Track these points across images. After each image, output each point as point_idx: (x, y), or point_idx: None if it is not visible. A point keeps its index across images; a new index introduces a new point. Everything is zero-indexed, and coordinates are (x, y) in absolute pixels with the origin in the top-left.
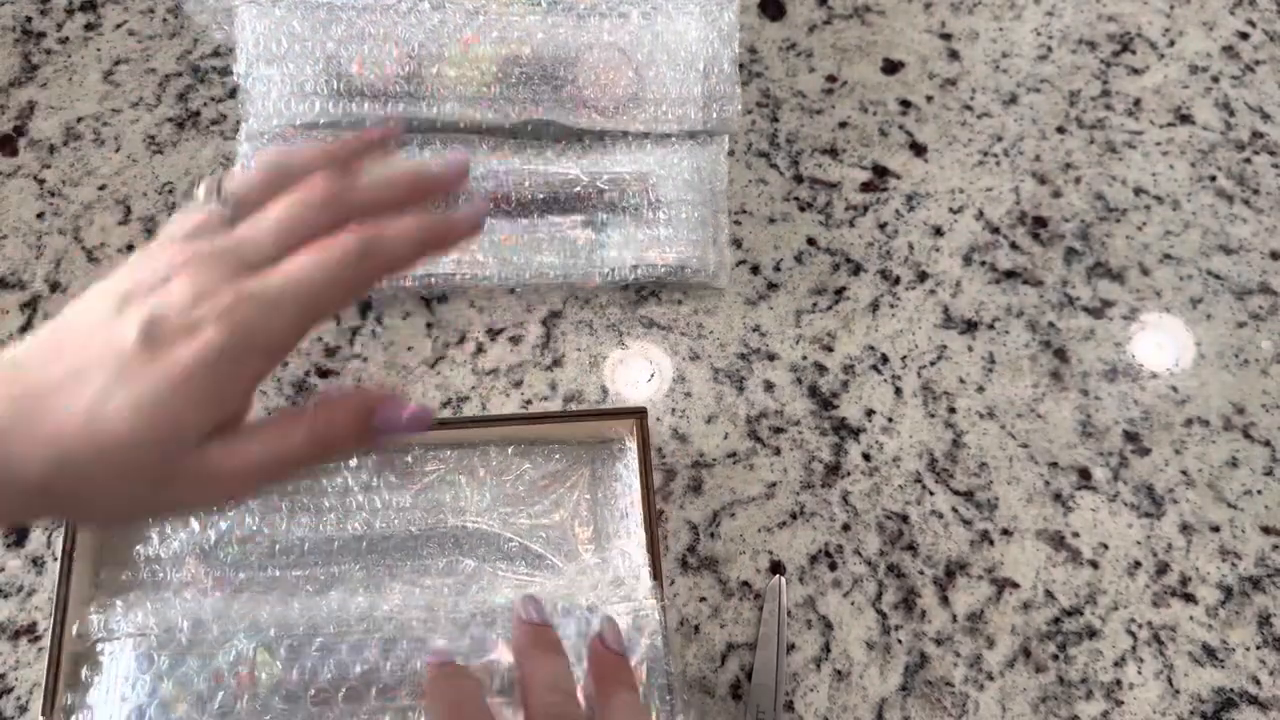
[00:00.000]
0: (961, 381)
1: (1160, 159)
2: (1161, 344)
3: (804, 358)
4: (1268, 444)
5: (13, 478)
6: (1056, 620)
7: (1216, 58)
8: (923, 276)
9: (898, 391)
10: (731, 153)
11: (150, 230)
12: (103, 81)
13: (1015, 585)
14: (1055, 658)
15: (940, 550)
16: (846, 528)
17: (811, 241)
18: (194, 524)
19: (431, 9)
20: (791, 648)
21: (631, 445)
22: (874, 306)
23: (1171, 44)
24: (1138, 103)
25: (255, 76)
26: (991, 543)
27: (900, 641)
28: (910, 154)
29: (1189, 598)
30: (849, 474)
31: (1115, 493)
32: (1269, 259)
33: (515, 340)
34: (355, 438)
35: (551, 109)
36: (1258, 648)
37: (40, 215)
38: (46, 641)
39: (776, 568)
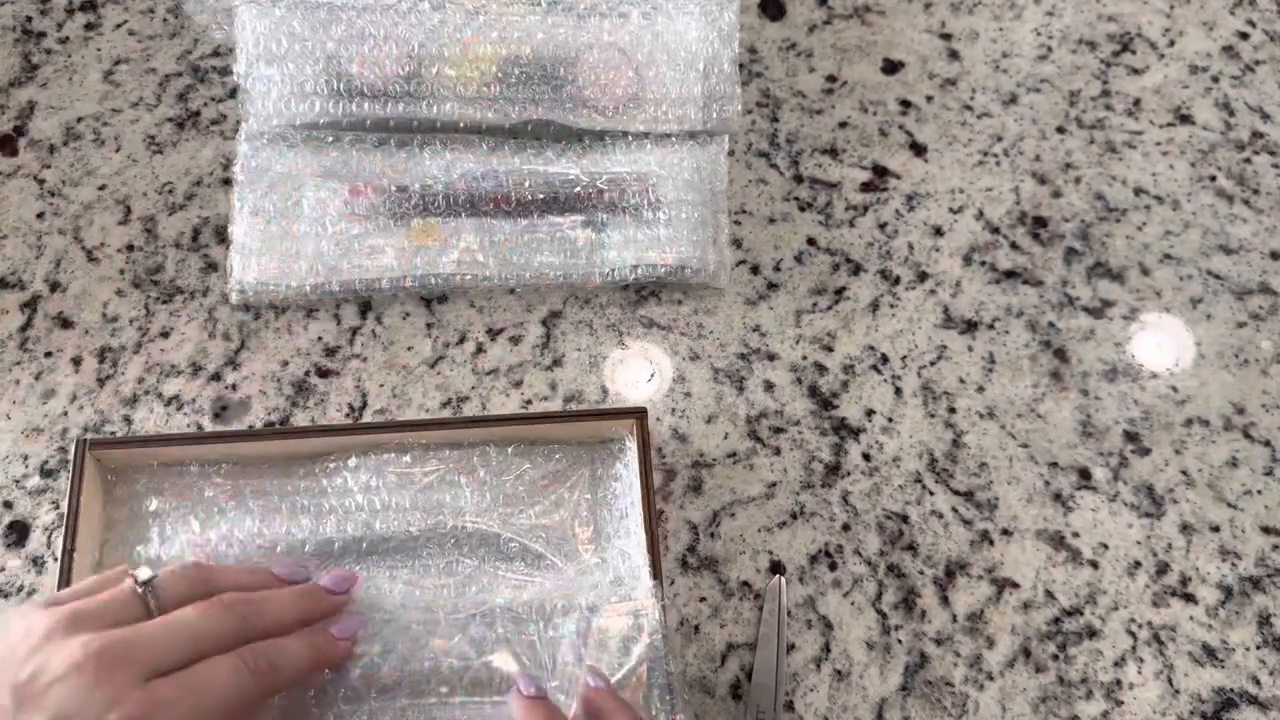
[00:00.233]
0: (961, 381)
1: (1160, 159)
2: (1161, 344)
3: (804, 358)
4: (1268, 444)
5: None
6: (1056, 620)
7: (1216, 58)
8: (923, 276)
9: (898, 391)
10: (731, 153)
11: (150, 230)
12: (103, 81)
13: (1015, 585)
14: (1055, 658)
15: (940, 550)
16: (846, 528)
17: (811, 241)
18: (194, 524)
19: (431, 9)
20: (791, 648)
21: (631, 445)
22: (874, 306)
23: (1171, 44)
24: (1138, 103)
25: (255, 76)
26: (991, 543)
27: (900, 641)
28: (910, 154)
29: (1189, 598)
30: (849, 474)
31: (1115, 493)
32: (1269, 259)
33: (515, 340)
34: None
35: (551, 109)
36: (1258, 648)
37: (40, 215)
38: None
39: (776, 568)
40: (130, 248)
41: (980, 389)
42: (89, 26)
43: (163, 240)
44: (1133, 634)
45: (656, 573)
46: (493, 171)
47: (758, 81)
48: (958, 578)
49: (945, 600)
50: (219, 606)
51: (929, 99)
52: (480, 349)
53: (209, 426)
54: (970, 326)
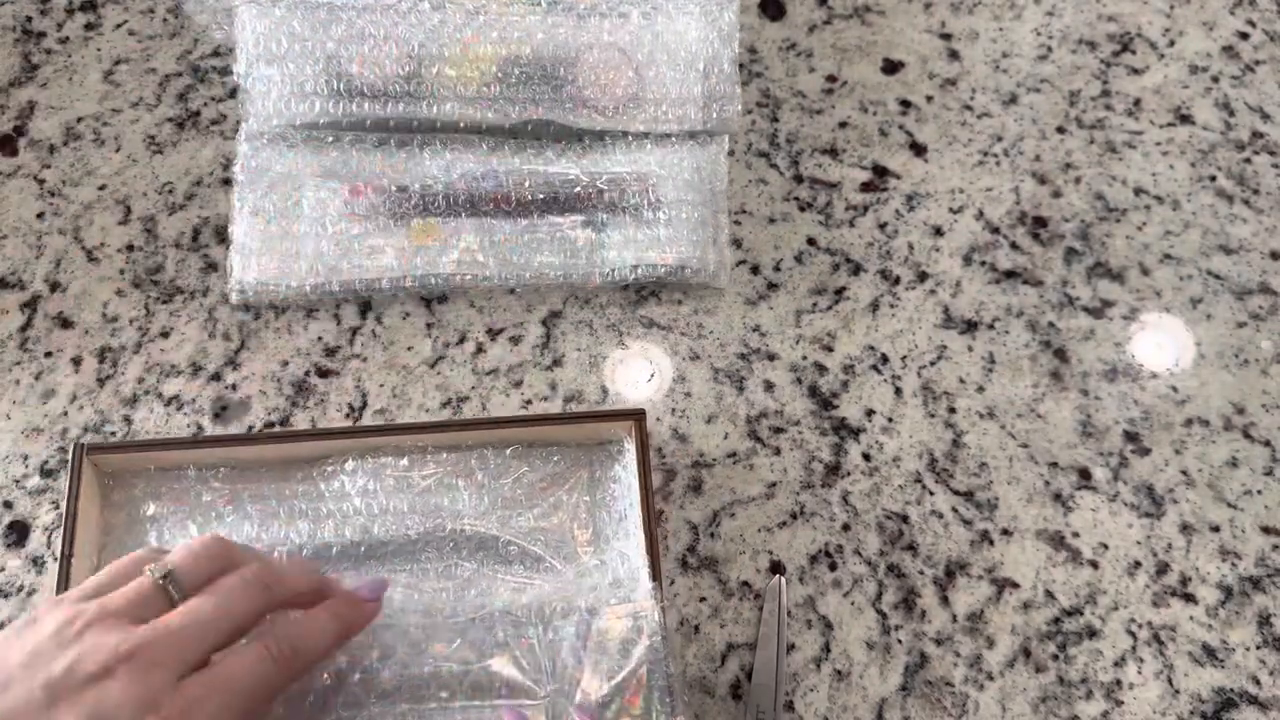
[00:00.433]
0: (961, 381)
1: (1160, 159)
2: (1161, 344)
3: (804, 358)
4: (1268, 444)
5: None
6: (1056, 620)
7: (1216, 58)
8: (923, 276)
9: (898, 391)
10: (731, 153)
11: (150, 230)
12: (103, 81)
13: (1015, 585)
14: (1055, 658)
15: (940, 550)
16: (846, 528)
17: (811, 241)
18: (192, 529)
19: (431, 9)
20: (791, 648)
21: (630, 447)
22: (874, 306)
23: (1171, 44)
24: (1138, 103)
25: (255, 76)
26: (991, 543)
27: (900, 641)
28: (910, 154)
29: (1189, 598)
30: (849, 474)
31: (1115, 493)
32: (1269, 259)
33: (515, 340)
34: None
35: (551, 109)
36: (1258, 648)
37: (40, 215)
38: None
39: (776, 568)
40: (130, 248)
41: (980, 389)
42: (89, 26)
43: (163, 240)
44: (1133, 634)
45: (656, 574)
46: (493, 171)
47: (758, 81)
48: (958, 578)
49: (945, 600)
50: (239, 583)
51: (929, 99)
52: (480, 349)
53: (209, 426)
54: (970, 326)
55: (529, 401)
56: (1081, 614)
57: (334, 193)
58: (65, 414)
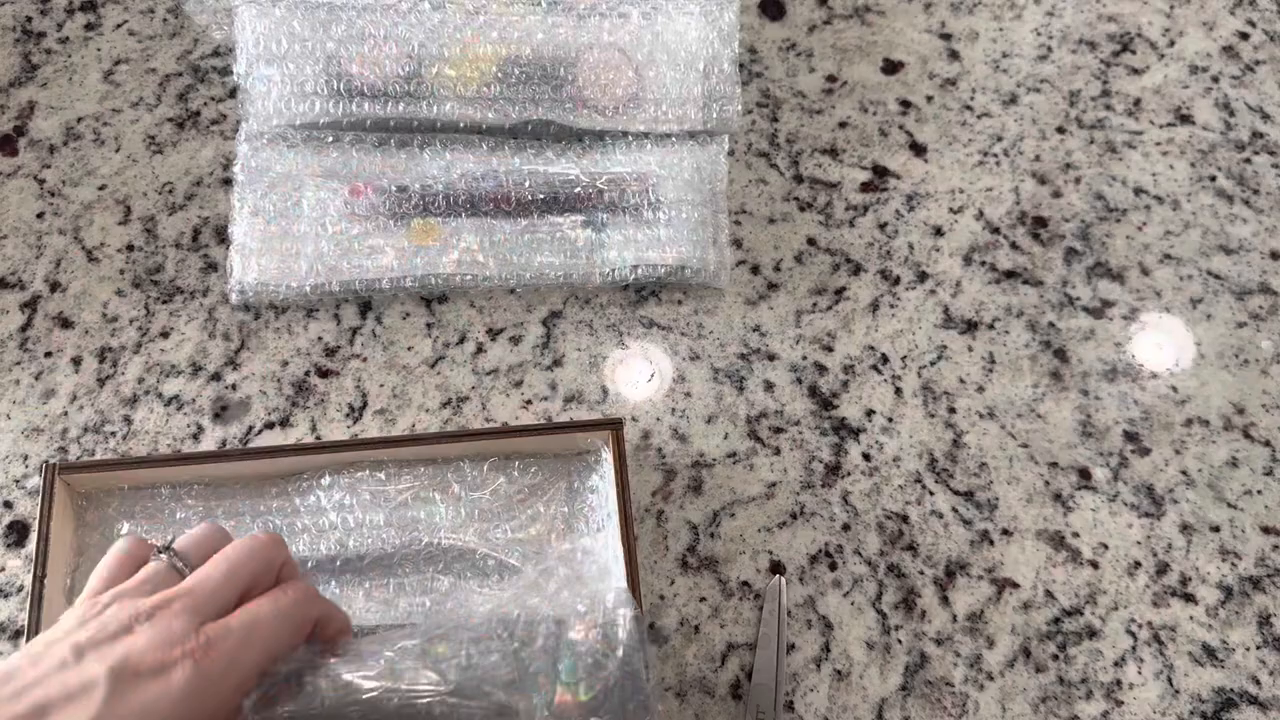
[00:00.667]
0: (961, 381)
1: (1160, 159)
2: (1161, 344)
3: (804, 358)
4: (1268, 444)
5: None
6: (1056, 620)
7: (1216, 58)
8: (923, 276)
9: (898, 391)
10: (731, 153)
11: (150, 230)
12: (103, 81)
13: (1015, 585)
14: (1055, 658)
15: (940, 550)
16: (846, 528)
17: (811, 241)
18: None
19: (431, 9)
20: (791, 648)
21: (608, 456)
22: (874, 306)
23: (1171, 44)
24: (1138, 103)
25: (255, 76)
26: (991, 543)
27: (900, 641)
28: (910, 154)
29: (1189, 598)
30: (849, 474)
31: (1115, 493)
32: (1269, 259)
33: (515, 340)
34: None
35: (551, 109)
36: (1258, 648)
37: (40, 215)
38: None
39: (776, 568)
40: (130, 248)
41: (980, 389)
42: (89, 26)
43: (163, 240)
44: (1133, 634)
45: (634, 583)
46: (493, 171)
47: (758, 81)
48: (958, 578)
49: (945, 600)
50: (246, 545)
51: (929, 99)
52: (480, 349)
53: (209, 426)
54: (970, 326)
55: (529, 402)
56: (1081, 614)
57: (334, 193)
58: (65, 414)
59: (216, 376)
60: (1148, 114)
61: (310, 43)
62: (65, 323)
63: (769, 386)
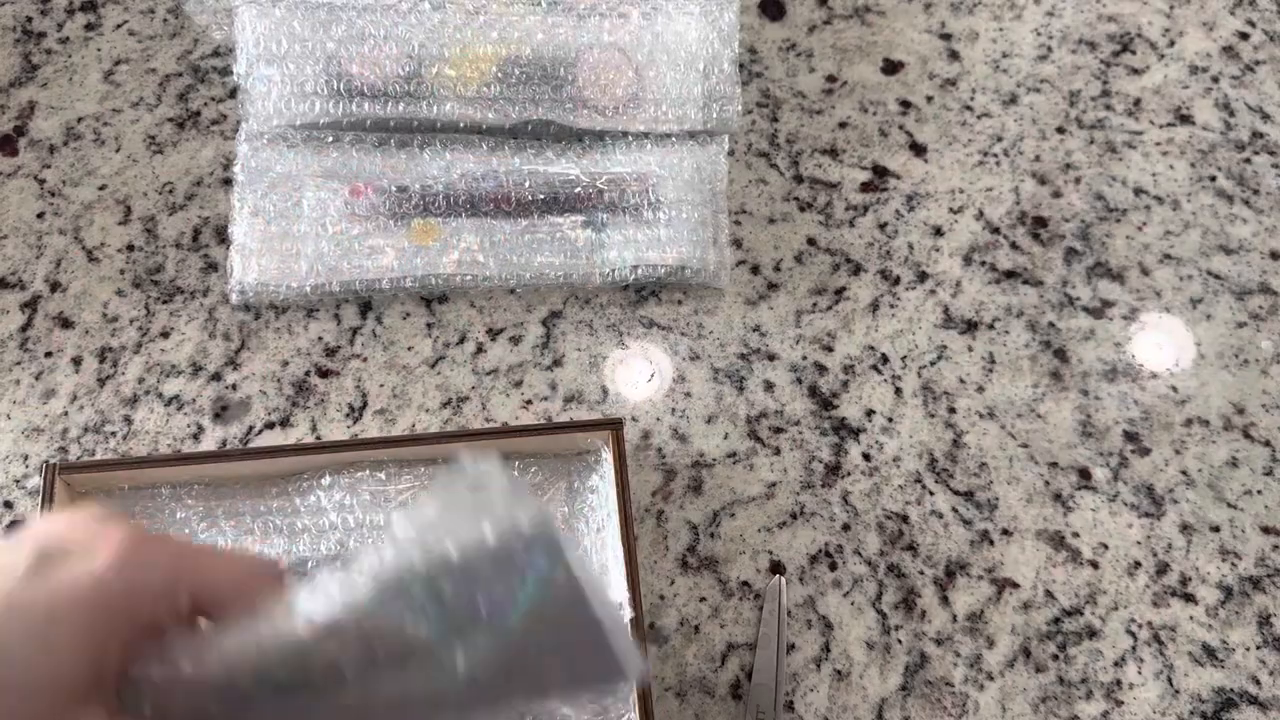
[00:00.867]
0: (961, 381)
1: (1160, 159)
2: (1161, 344)
3: (804, 358)
4: (1268, 444)
5: None
6: (1056, 620)
7: (1216, 58)
8: (923, 276)
9: (898, 391)
10: (731, 153)
11: (150, 230)
12: (103, 81)
13: (1015, 585)
14: (1055, 658)
15: (940, 550)
16: (846, 528)
17: (811, 241)
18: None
19: (431, 9)
20: (791, 648)
21: (608, 456)
22: (874, 306)
23: (1171, 44)
24: (1138, 103)
25: (255, 76)
26: (991, 543)
27: (900, 641)
28: (910, 154)
29: (1189, 598)
30: (849, 474)
31: (1115, 493)
32: (1269, 259)
33: (515, 340)
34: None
35: (551, 109)
36: (1258, 648)
37: (40, 215)
38: None
39: (776, 568)
40: (130, 248)
41: (980, 389)
42: (89, 26)
43: (163, 240)
44: (1133, 634)
45: (634, 583)
46: (493, 171)
47: (758, 81)
48: (958, 578)
49: (945, 600)
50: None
51: (929, 99)
52: (480, 349)
53: (209, 426)
54: (970, 326)
55: (529, 402)
56: (1081, 614)
57: (334, 193)
58: (65, 414)
59: (217, 376)
60: (1148, 114)
61: (310, 43)
62: (65, 323)
63: (769, 386)
